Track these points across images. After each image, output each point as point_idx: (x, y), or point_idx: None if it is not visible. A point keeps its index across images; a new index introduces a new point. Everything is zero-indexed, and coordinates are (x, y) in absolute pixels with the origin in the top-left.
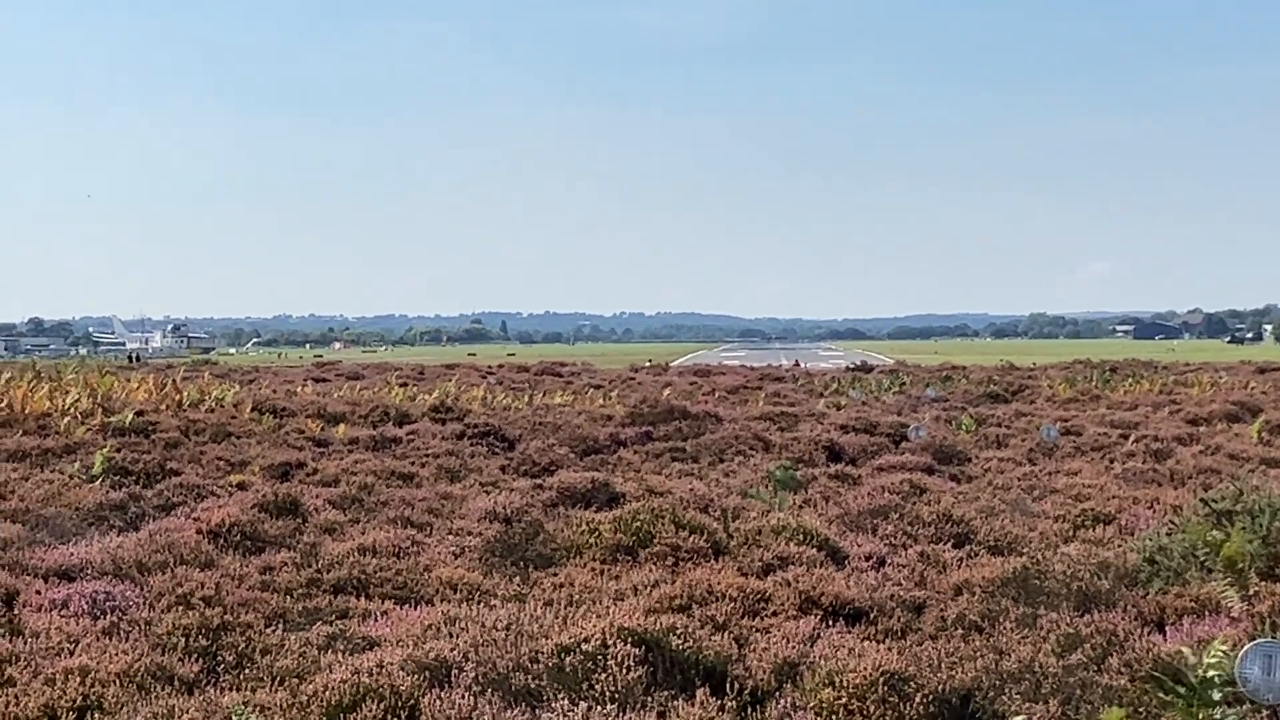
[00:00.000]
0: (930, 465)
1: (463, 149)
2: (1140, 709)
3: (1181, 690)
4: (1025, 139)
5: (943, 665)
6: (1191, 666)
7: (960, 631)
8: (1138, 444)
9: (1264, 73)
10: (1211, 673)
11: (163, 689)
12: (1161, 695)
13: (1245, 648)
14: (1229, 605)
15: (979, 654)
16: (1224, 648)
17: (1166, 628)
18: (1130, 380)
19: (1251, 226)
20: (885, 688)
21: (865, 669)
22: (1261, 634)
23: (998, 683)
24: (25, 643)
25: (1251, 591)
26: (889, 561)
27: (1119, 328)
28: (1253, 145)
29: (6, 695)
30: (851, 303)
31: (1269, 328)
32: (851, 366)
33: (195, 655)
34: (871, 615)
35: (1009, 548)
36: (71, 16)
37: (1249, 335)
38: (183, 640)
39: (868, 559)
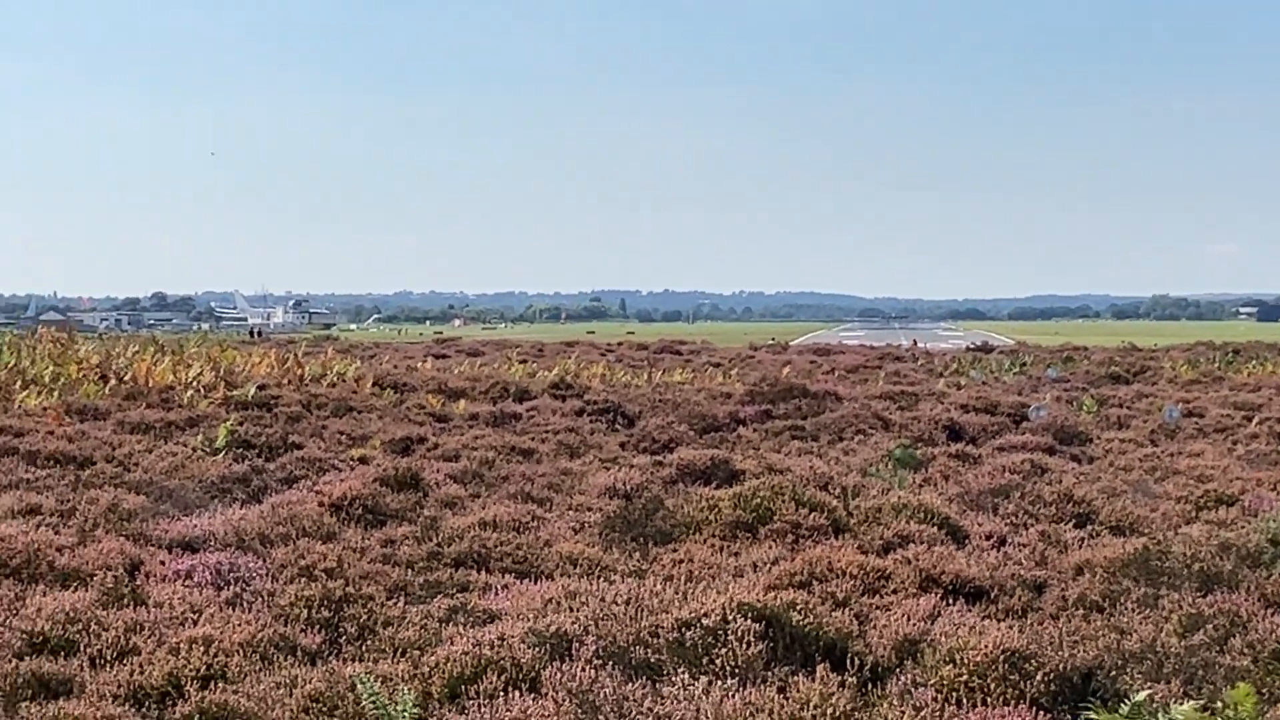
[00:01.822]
0: (1051, 445)
1: (583, 126)
2: (1264, 689)
3: None
4: (1151, 116)
5: (1064, 644)
6: None
7: (1081, 611)
8: (1261, 426)
9: None
10: None
11: (285, 659)
12: None
13: None
14: None
15: (1100, 633)
16: None
17: None
18: (1254, 363)
19: None
20: (1006, 665)
21: (986, 647)
22: None
23: (1119, 662)
24: (150, 612)
25: None
26: (1009, 541)
27: (1243, 310)
28: None
29: (132, 664)
30: (972, 283)
31: None
32: (971, 346)
33: (317, 626)
34: (992, 594)
35: (1130, 528)
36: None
37: None
38: (305, 611)
39: (988, 538)
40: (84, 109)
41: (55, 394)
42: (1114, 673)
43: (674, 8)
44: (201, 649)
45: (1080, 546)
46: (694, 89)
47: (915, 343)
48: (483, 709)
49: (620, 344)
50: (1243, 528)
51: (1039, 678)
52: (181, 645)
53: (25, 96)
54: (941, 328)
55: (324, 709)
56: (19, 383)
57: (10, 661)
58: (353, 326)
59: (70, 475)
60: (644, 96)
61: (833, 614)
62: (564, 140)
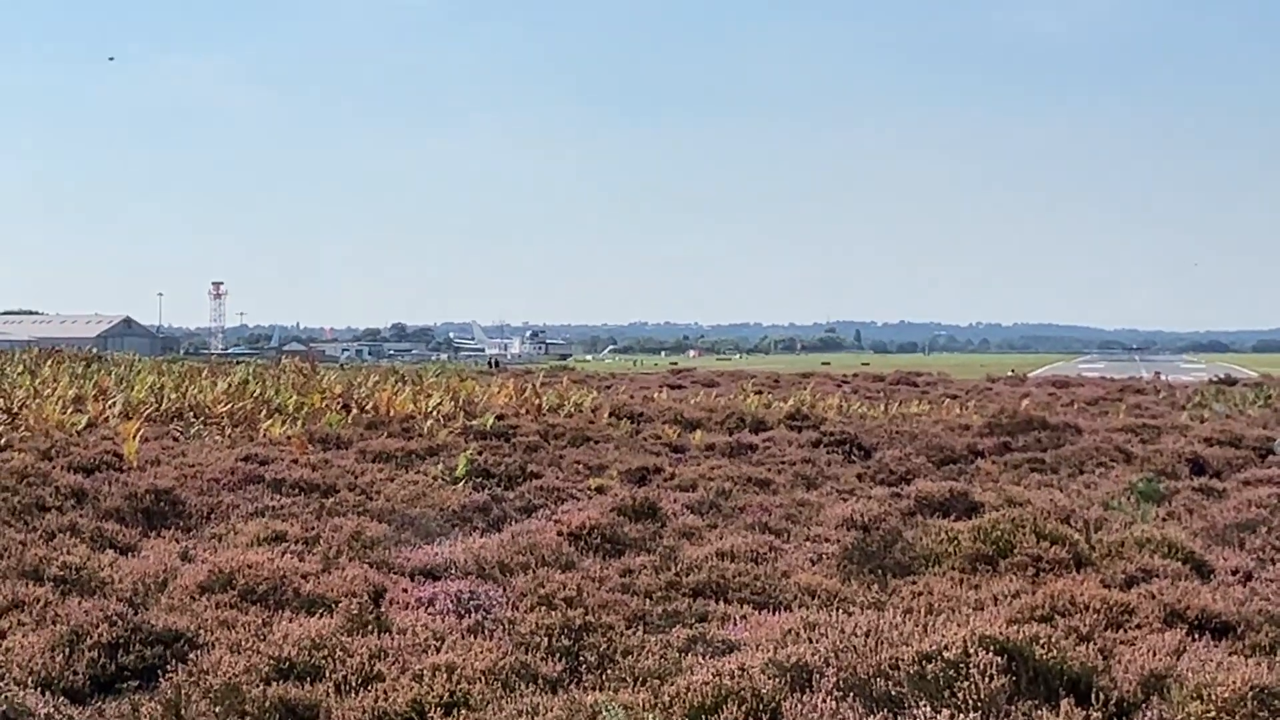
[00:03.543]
0: None
1: (818, 153)
2: None
3: None
4: None
5: None
6: None
7: None
8: None
9: None
10: None
11: (526, 687)
12: None
13: None
14: None
15: None
16: None
17: None
18: None
19: None
20: (1255, 702)
21: (1234, 683)
22: None
23: None
24: (393, 639)
25: None
26: (1256, 576)
27: None
28: None
29: (376, 690)
30: (1214, 314)
31: None
32: (1214, 379)
33: (558, 655)
34: (1239, 630)
35: None
36: (421, 30)
37: None
38: (545, 640)
39: (1234, 573)
40: (328, 140)
41: (299, 423)
42: None
43: (914, 29)
44: (444, 676)
45: None
46: (935, 111)
47: (1156, 375)
48: None
49: (855, 375)
50: None
51: None
52: (425, 672)
53: (285, 133)
54: (1183, 360)
55: None
56: (264, 412)
57: (258, 687)
58: (588, 357)
59: (314, 503)
60: (880, 121)
61: (1076, 648)
62: (800, 168)
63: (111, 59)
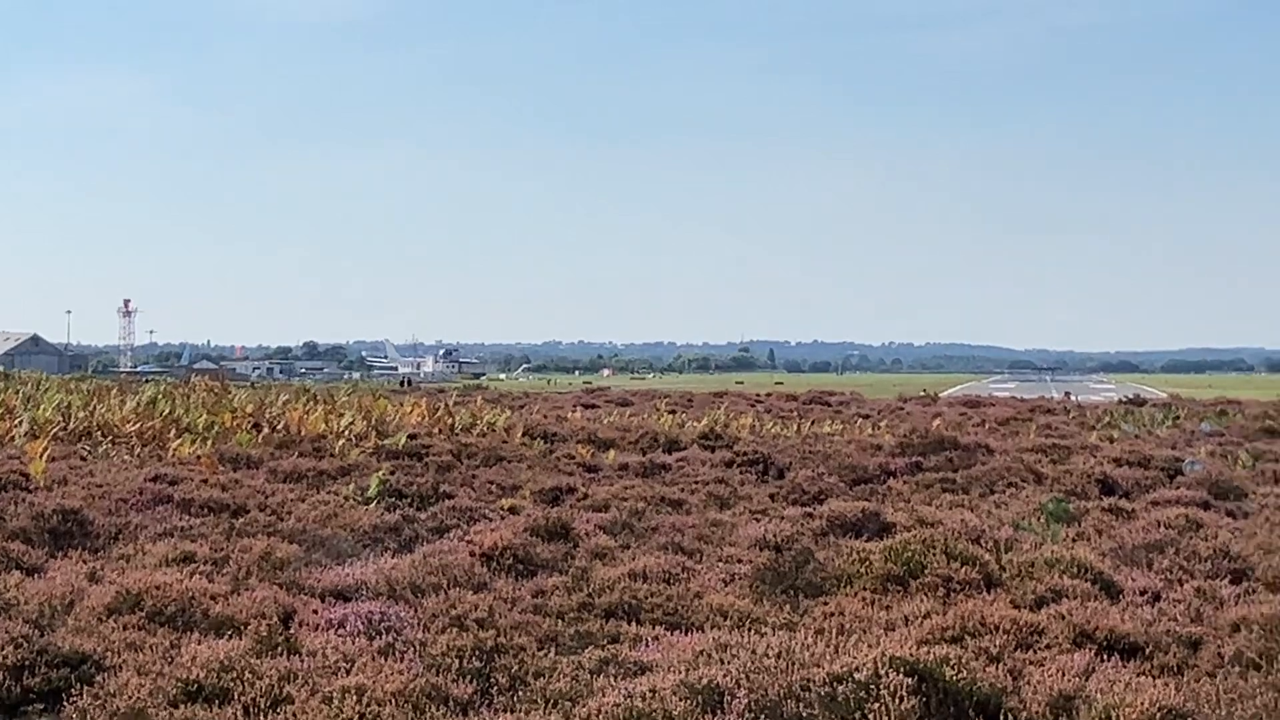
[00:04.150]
0: (1206, 500)
1: (733, 174)
2: None
3: None
4: None
5: (1222, 703)
6: None
7: (1238, 669)
8: None
9: None
10: None
11: (438, 709)
12: None
13: None
14: None
15: (1258, 692)
16: None
17: None
18: None
19: None
20: None
21: (1142, 704)
22: None
23: None
24: (303, 661)
25: None
26: (1164, 596)
27: None
28: None
29: (285, 713)
30: (1124, 335)
31: None
32: (1124, 399)
33: (469, 676)
34: (1147, 650)
35: None
36: (336, 52)
37: None
38: (457, 661)
39: (1142, 593)
40: (241, 158)
41: (209, 442)
42: None
43: (827, 54)
44: (354, 698)
45: (1237, 603)
46: (838, 133)
47: (1067, 395)
48: None
49: (769, 394)
50: None
51: None
52: (335, 695)
53: (197, 151)
54: (1093, 380)
55: None
56: (174, 431)
57: (165, 709)
58: (502, 376)
59: (224, 523)
60: (792, 144)
61: (986, 669)
62: (714, 189)
63: None
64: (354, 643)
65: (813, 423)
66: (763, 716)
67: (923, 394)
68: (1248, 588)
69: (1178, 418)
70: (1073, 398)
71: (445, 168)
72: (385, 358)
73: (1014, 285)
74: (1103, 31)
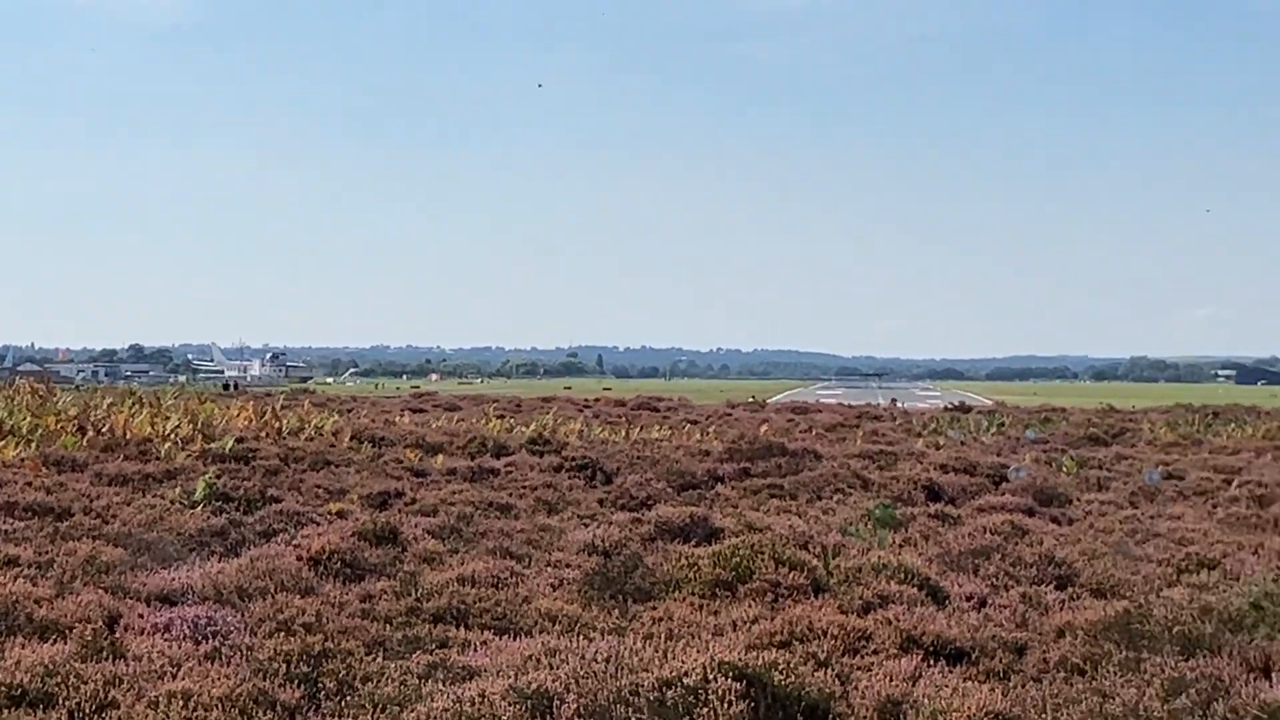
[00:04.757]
0: (1031, 506)
1: (559, 182)
2: None
3: None
4: (1131, 179)
5: (1047, 707)
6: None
7: (1063, 674)
8: (1241, 489)
9: None
10: None
11: (264, 714)
12: None
13: None
14: None
15: (1082, 696)
16: None
17: (1273, 674)
18: (1233, 425)
19: None
20: None
21: (969, 709)
22: None
23: None
24: (129, 665)
25: None
26: (990, 602)
27: (1221, 372)
28: None
29: (111, 717)
30: (950, 343)
31: None
32: (950, 406)
33: (296, 681)
34: (973, 655)
35: (1112, 591)
36: (159, 49)
37: None
38: (284, 666)
39: (969, 599)
40: (58, 157)
41: (33, 445)
42: None
43: (645, 59)
44: (180, 703)
45: (1061, 608)
46: (671, 144)
47: (893, 402)
48: None
49: (597, 400)
50: (1224, 591)
51: None
52: (160, 699)
53: (16, 151)
54: (919, 387)
55: None
56: None
57: None
58: (329, 380)
59: (48, 527)
60: (619, 153)
61: (814, 674)
62: (540, 197)
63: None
64: (180, 647)
65: (641, 428)
66: None
67: (751, 400)
68: (1072, 593)
69: (1003, 425)
70: (899, 404)
71: (272, 169)
72: (212, 361)
73: (841, 292)
74: (930, 41)
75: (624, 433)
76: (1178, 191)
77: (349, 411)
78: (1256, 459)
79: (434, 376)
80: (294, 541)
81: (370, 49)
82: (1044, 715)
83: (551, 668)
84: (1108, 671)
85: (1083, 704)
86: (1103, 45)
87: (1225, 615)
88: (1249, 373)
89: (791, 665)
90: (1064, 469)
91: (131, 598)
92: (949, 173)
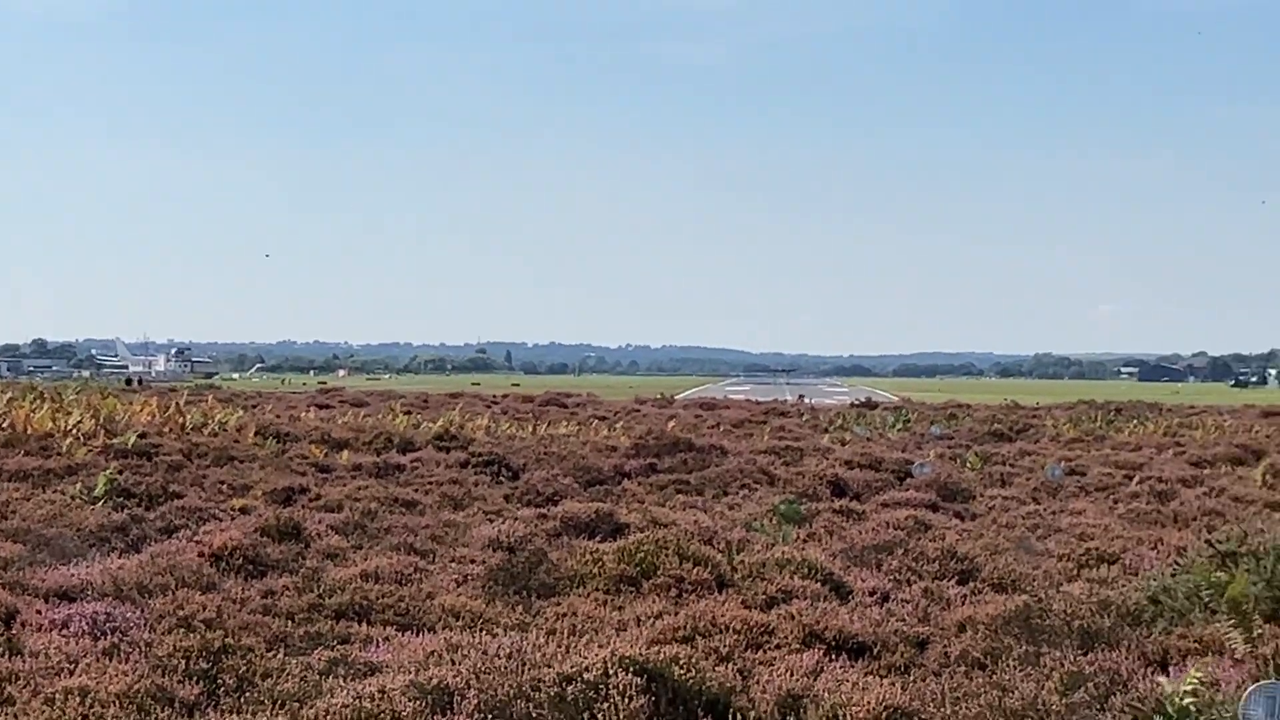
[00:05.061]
0: (935, 502)
1: (466, 176)
2: None
3: None
4: (1034, 179)
5: (947, 701)
6: (1169, 696)
7: (963, 668)
8: (1142, 485)
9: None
10: (1189, 700)
11: (163, 711)
12: None
13: (1250, 689)
14: (1233, 647)
15: (982, 691)
16: (1199, 674)
17: (1170, 668)
18: (1135, 422)
19: (1258, 271)
20: None
21: (869, 703)
22: (1266, 676)
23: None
24: (25, 662)
25: (1255, 634)
26: (893, 597)
27: (1124, 369)
28: (1261, 185)
29: (6, 714)
30: (857, 339)
31: (1274, 372)
32: (856, 402)
33: (196, 678)
34: (875, 650)
35: (1013, 585)
36: (69, 42)
37: (1254, 379)
38: (183, 662)
39: (872, 594)
40: None
41: None
42: None
43: (565, 57)
44: (78, 699)
45: (963, 603)
46: (577, 135)
47: (801, 398)
48: None
49: (505, 396)
50: (1123, 586)
51: None
52: (57, 695)
53: None
54: (826, 383)
55: None
56: None
57: None
58: (235, 375)
59: None
60: (528, 145)
61: (716, 669)
62: (446, 189)
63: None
64: (78, 643)
65: (548, 424)
66: (492, 717)
67: (659, 396)
68: (974, 588)
69: (908, 421)
70: (806, 400)
71: (177, 164)
72: (116, 356)
73: (750, 289)
74: (842, 39)
75: (531, 429)
76: (1083, 191)
77: (254, 407)
78: (1157, 455)
79: (341, 372)
80: (196, 537)
81: (267, 39)
82: (944, 709)
83: (453, 664)
84: (1007, 665)
85: (982, 698)
86: (1010, 41)
87: (1124, 610)
88: (1151, 370)
89: (693, 660)
90: (968, 465)
91: (29, 594)
92: (859, 171)
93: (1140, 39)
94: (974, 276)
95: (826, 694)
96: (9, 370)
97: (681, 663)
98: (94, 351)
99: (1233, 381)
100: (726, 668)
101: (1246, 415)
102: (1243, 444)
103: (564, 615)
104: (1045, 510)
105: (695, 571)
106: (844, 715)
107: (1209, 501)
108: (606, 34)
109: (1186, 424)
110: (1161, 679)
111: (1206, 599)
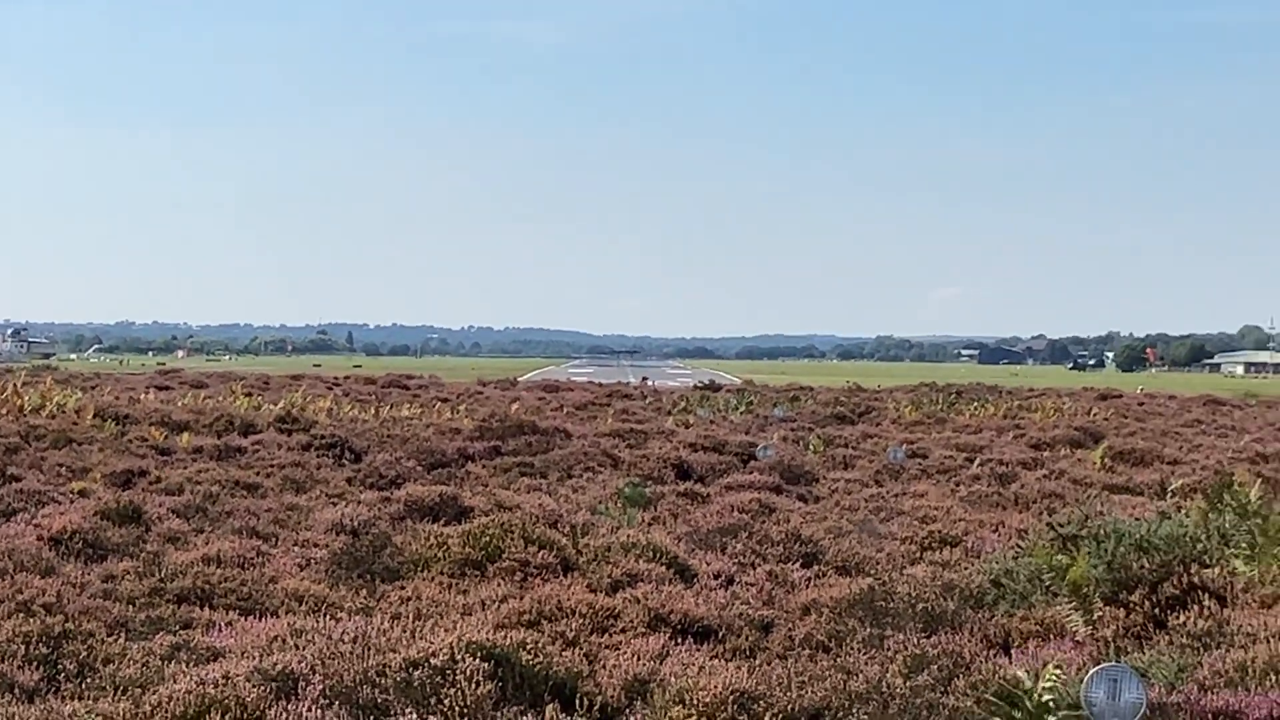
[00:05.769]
0: (778, 485)
1: (308, 156)
2: None
3: (1018, 715)
4: (873, 162)
5: (791, 685)
6: (1029, 690)
7: (808, 651)
8: (983, 467)
9: (1114, 101)
10: (1047, 696)
11: (2, 696)
12: (1003, 718)
13: (1090, 672)
14: (1074, 629)
15: (827, 674)
16: (1059, 671)
17: (1012, 650)
18: (975, 404)
19: (1094, 255)
20: (735, 706)
21: (715, 687)
22: (1106, 658)
23: (846, 703)
24: None
25: (1096, 616)
26: (737, 580)
27: (964, 352)
28: (1096, 174)
29: None
30: (700, 322)
31: (1110, 355)
32: (700, 385)
33: (35, 663)
34: (720, 634)
35: (856, 568)
36: None
37: (1091, 362)
38: (23, 648)
39: (716, 577)
40: None
41: None
42: (841, 713)
43: (393, 36)
44: None
45: (807, 586)
46: (414, 116)
47: (644, 380)
48: None
49: (347, 377)
50: (965, 569)
51: (767, 719)
52: None
53: None
54: (669, 365)
55: None
56: None
57: None
58: (73, 356)
59: None
60: (367, 125)
61: (562, 653)
62: (286, 169)
63: None
64: None
65: (391, 406)
66: (337, 702)
67: (502, 378)
68: (818, 571)
69: (751, 403)
70: (649, 383)
71: (12, 140)
72: None
73: (593, 271)
74: (682, 19)
75: (374, 411)
76: (925, 176)
77: (93, 389)
78: (998, 437)
79: (181, 353)
80: (34, 521)
81: (118, 31)
82: (789, 693)
83: (297, 648)
84: (852, 648)
85: (827, 681)
86: (847, 24)
87: (967, 592)
88: (991, 352)
89: (540, 644)
90: (811, 447)
91: None
92: (702, 155)
93: (983, 27)
94: (816, 260)
95: (673, 678)
96: None
97: (528, 647)
98: None
99: (1071, 364)
100: (573, 652)
101: (1084, 398)
102: (1081, 426)
103: (409, 599)
104: (888, 493)
105: (540, 555)
106: (690, 699)
107: (1049, 484)
108: (445, 12)
109: (1026, 406)
110: (1004, 661)
111: (1048, 582)
